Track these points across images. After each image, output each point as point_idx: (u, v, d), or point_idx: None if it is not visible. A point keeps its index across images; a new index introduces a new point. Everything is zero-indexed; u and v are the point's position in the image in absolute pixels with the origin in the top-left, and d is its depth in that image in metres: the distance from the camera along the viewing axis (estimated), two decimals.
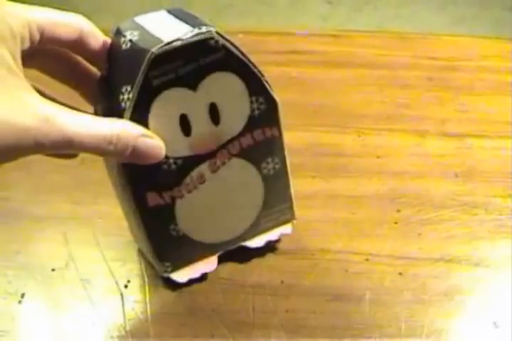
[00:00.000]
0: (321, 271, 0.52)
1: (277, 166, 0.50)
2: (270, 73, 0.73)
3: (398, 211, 0.57)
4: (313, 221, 0.56)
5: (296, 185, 0.57)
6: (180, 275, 0.50)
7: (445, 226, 0.55)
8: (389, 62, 0.80)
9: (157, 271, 0.51)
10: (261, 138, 0.47)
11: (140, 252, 0.54)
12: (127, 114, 0.40)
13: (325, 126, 0.68)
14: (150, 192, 0.45)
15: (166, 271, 0.50)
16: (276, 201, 0.52)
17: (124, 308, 0.49)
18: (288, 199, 0.53)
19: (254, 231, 0.52)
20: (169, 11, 0.43)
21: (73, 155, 0.43)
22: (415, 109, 0.71)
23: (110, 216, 0.56)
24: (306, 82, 0.76)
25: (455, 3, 2.43)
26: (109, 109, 0.41)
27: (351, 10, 2.41)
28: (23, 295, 0.51)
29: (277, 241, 0.54)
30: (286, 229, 0.54)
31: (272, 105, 0.47)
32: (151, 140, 0.39)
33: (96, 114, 0.43)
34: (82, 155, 0.63)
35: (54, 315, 0.50)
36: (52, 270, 0.53)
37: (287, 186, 0.52)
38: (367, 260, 0.52)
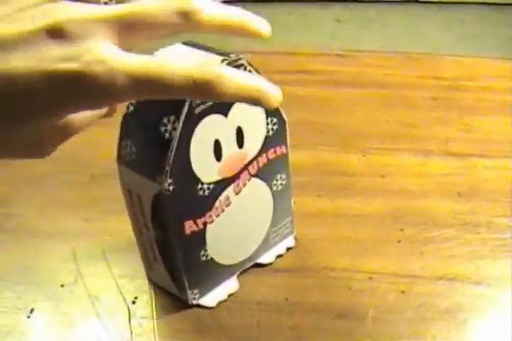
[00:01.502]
0: (325, 288, 0.52)
1: (284, 182, 0.51)
2: None
3: (401, 230, 0.58)
4: (318, 239, 0.57)
5: (301, 204, 0.58)
6: (209, 300, 0.51)
7: (448, 245, 0.56)
8: (394, 81, 0.81)
9: (180, 296, 0.51)
10: (273, 156, 0.49)
11: (152, 285, 0.54)
12: (174, 143, 0.41)
13: (330, 145, 0.69)
14: (187, 220, 0.46)
15: (194, 298, 0.51)
16: (282, 216, 0.54)
17: (131, 324, 0.50)
18: (290, 212, 0.54)
19: (265, 247, 0.54)
20: (185, 43, 0.44)
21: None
22: (420, 129, 0.72)
23: (119, 232, 0.57)
24: (312, 101, 0.77)
25: (462, 22, 2.44)
26: (148, 141, 0.43)
27: (359, 28, 2.43)
28: (32, 311, 0.52)
29: (284, 254, 0.55)
30: (290, 241, 0.56)
31: (282, 124, 0.48)
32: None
33: (126, 147, 0.45)
34: (91, 172, 0.65)
35: (62, 330, 0.51)
36: (61, 286, 0.54)
37: (290, 200, 0.54)
38: (370, 278, 0.53)
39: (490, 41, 2.31)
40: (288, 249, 0.56)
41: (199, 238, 0.47)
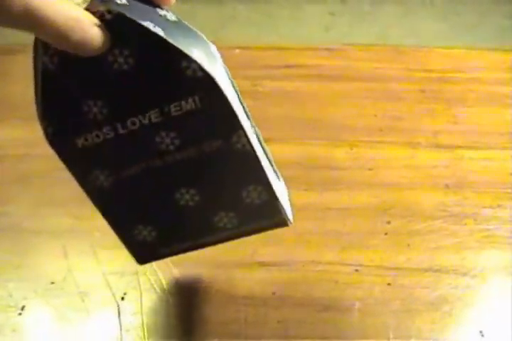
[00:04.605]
0: (311, 282, 0.53)
1: None
2: (266, 88, 0.75)
3: (388, 222, 0.58)
4: (305, 233, 0.57)
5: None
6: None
7: (434, 237, 0.56)
8: (382, 75, 0.81)
9: None
10: None
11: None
12: None
13: (318, 139, 0.69)
14: None
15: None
16: None
17: (120, 320, 0.51)
18: None
19: None
20: None
21: None
22: (407, 122, 0.72)
23: (108, 229, 0.57)
24: (300, 95, 0.77)
25: (456, 12, 2.44)
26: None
27: (353, 20, 2.43)
28: (23, 308, 0.52)
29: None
30: None
31: None
32: None
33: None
34: None
35: (53, 327, 0.51)
36: (52, 283, 0.54)
37: None
38: (356, 271, 0.53)
39: (485, 32, 2.31)
40: None
41: None
